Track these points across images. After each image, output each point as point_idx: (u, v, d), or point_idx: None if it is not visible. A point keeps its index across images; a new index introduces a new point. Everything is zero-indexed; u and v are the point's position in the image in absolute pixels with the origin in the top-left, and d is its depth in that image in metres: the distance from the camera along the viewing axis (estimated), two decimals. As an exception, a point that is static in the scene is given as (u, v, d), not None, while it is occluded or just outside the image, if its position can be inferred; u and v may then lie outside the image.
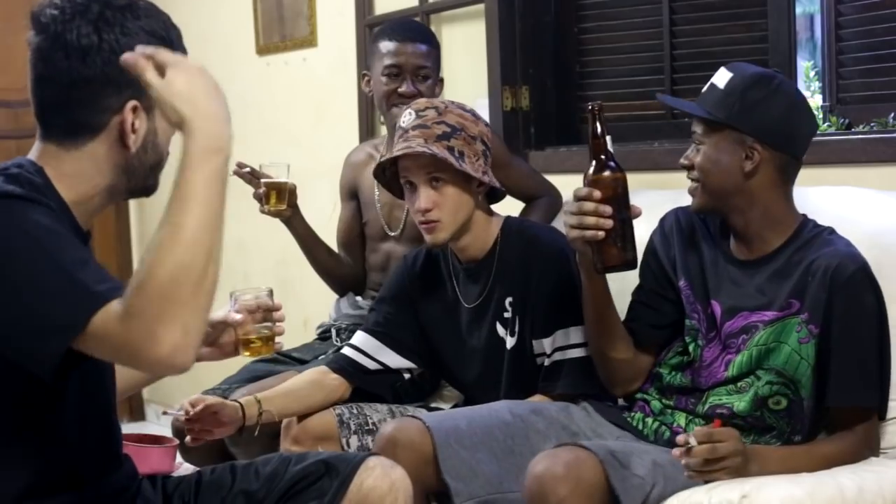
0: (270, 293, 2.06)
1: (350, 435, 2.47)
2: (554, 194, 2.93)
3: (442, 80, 2.92)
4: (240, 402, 2.38)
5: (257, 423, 2.38)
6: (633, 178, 2.80)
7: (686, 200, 2.22)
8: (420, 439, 2.15)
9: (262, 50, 4.33)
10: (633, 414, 2.27)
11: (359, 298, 3.03)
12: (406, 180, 2.38)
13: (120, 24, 1.65)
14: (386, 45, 2.87)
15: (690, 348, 2.20)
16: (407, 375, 2.59)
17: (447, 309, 2.52)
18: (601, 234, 2.05)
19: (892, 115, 2.63)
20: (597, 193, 2.06)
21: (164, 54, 1.57)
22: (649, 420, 2.23)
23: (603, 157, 2.09)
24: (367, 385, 2.55)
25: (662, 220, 2.31)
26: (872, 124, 2.66)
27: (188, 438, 2.33)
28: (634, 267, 2.14)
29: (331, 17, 3.99)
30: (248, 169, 2.82)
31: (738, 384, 2.12)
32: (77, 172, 1.68)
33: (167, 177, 1.78)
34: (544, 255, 2.38)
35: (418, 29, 3.04)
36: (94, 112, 1.67)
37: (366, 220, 3.04)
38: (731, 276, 2.17)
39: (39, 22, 1.66)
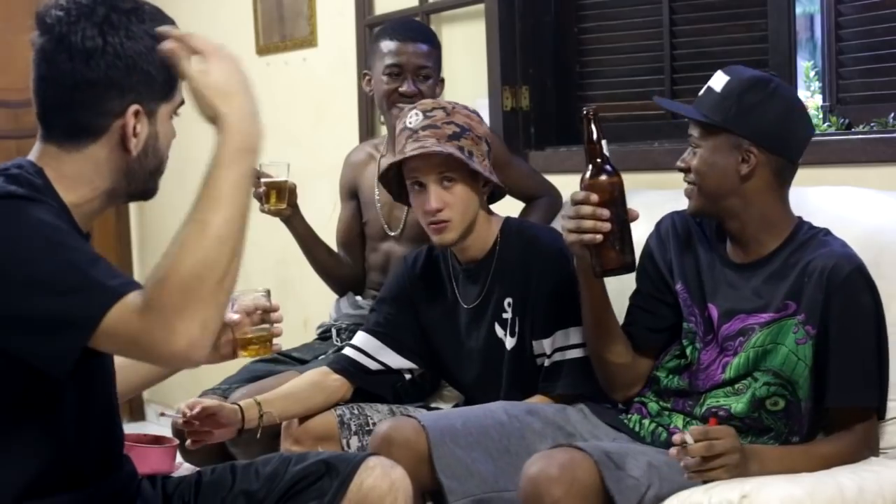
0: (268, 294, 2.06)
1: (350, 435, 2.47)
2: (554, 194, 2.93)
3: (443, 81, 2.92)
4: (239, 405, 2.38)
5: (258, 426, 2.38)
6: (632, 179, 2.80)
7: (686, 201, 2.22)
8: (415, 438, 2.15)
9: (262, 50, 4.33)
10: (629, 416, 2.27)
11: (359, 298, 3.03)
12: (415, 181, 2.37)
13: (125, 27, 1.65)
14: (387, 45, 2.87)
15: (688, 351, 2.21)
16: (408, 376, 2.59)
17: (447, 310, 2.52)
18: (599, 237, 2.06)
19: (892, 115, 2.63)
20: (594, 197, 2.07)
21: (200, 40, 1.57)
22: (646, 422, 2.23)
23: (599, 160, 2.10)
24: (368, 385, 2.55)
25: (658, 224, 2.31)
26: (872, 124, 2.67)
27: (188, 442, 2.34)
28: (633, 270, 2.15)
29: (331, 17, 3.99)
30: (248, 168, 2.81)
31: (736, 386, 2.12)
32: (77, 174, 1.68)
33: (166, 180, 1.79)
34: (544, 256, 2.39)
35: (419, 29, 3.04)
36: (97, 115, 1.67)
37: (366, 220, 3.04)
38: (727, 279, 2.18)
39: (44, 23, 1.66)
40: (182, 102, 1.76)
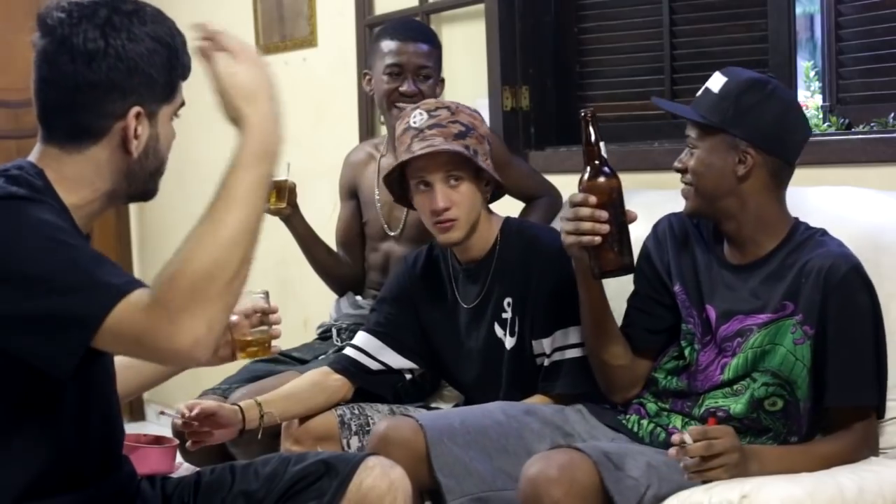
0: (266, 296, 2.06)
1: (351, 435, 2.47)
2: (554, 194, 2.93)
3: (443, 81, 2.92)
4: (240, 406, 2.38)
5: (259, 426, 2.38)
6: (632, 178, 2.80)
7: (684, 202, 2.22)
8: (413, 437, 2.16)
9: (262, 50, 4.32)
10: (628, 416, 2.27)
11: (359, 298, 3.03)
12: (420, 180, 2.37)
13: (127, 29, 1.65)
14: (388, 45, 2.87)
15: (686, 352, 2.21)
16: (408, 376, 2.59)
17: (446, 310, 2.53)
18: (597, 239, 2.07)
19: (892, 115, 2.63)
20: (592, 199, 2.08)
21: (232, 39, 1.58)
22: (644, 422, 2.23)
23: (597, 162, 2.11)
24: (369, 385, 2.55)
25: (656, 226, 2.32)
26: (872, 124, 2.67)
27: (189, 443, 2.34)
28: (631, 272, 2.16)
29: (331, 17, 3.99)
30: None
31: (734, 387, 2.13)
32: (78, 176, 1.68)
33: (166, 181, 1.79)
34: (544, 256, 2.39)
35: (420, 29, 3.04)
36: (98, 117, 1.66)
37: (366, 220, 3.04)
38: (724, 280, 2.18)
39: (46, 24, 1.66)
40: (182, 104, 1.76)
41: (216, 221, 1.51)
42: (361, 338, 2.57)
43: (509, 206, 2.74)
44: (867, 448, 2.08)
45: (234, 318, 1.99)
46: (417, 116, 2.37)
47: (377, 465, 1.92)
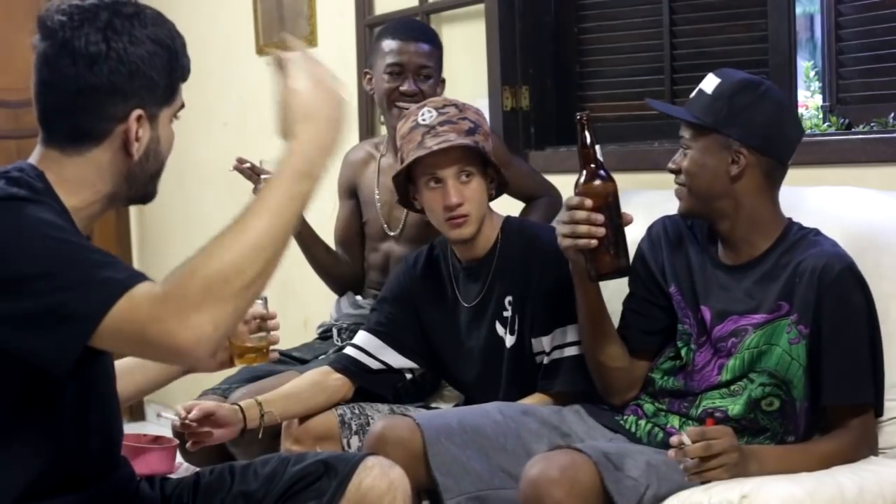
0: (265, 302, 2.06)
1: (351, 435, 2.47)
2: (554, 194, 2.93)
3: (443, 81, 2.92)
4: (240, 406, 2.38)
5: (260, 426, 2.38)
6: (632, 179, 2.80)
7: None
8: (410, 436, 2.16)
9: (262, 50, 4.33)
10: (625, 417, 2.27)
11: (359, 298, 3.03)
12: (431, 177, 2.38)
13: (128, 32, 1.65)
14: (389, 44, 2.87)
15: (683, 353, 2.21)
16: (409, 375, 2.59)
17: (447, 309, 2.53)
18: (594, 242, 2.08)
19: (892, 115, 2.63)
20: (588, 202, 2.09)
21: (313, 64, 1.60)
22: (642, 422, 2.24)
23: (593, 165, 2.12)
24: (370, 385, 2.55)
25: (650, 228, 2.33)
26: (872, 124, 2.67)
27: (189, 443, 2.33)
28: (627, 274, 2.18)
29: (331, 17, 3.99)
30: (248, 165, 2.82)
31: (732, 388, 2.13)
32: (79, 178, 1.68)
33: (166, 181, 1.79)
34: (544, 254, 2.39)
35: (421, 28, 3.05)
36: (99, 120, 1.66)
37: (365, 220, 3.04)
38: (719, 281, 2.19)
39: (46, 27, 1.65)
40: (182, 106, 1.76)
41: (243, 226, 1.51)
42: (362, 337, 2.57)
43: (509, 207, 2.74)
44: (866, 446, 2.08)
45: None
46: (426, 114, 2.38)
47: (376, 464, 1.92)
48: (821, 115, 2.97)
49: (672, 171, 2.19)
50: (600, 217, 2.08)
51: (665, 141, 2.99)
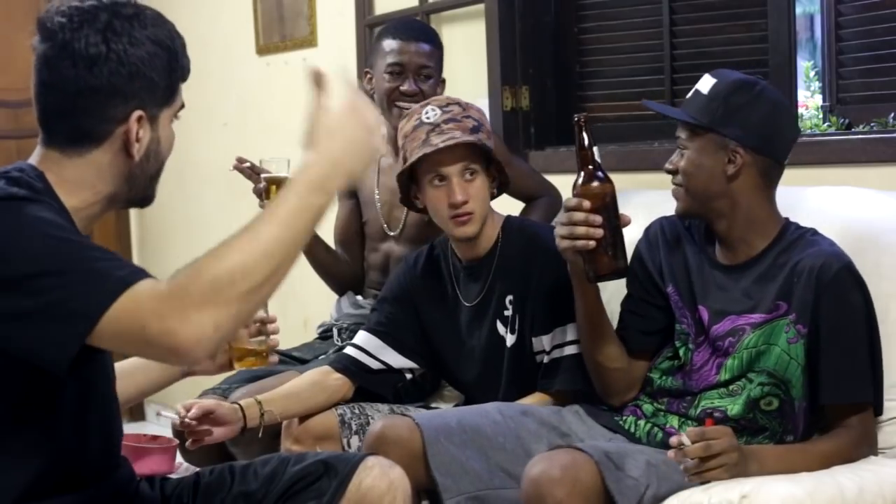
0: (265, 305, 2.06)
1: (351, 435, 2.47)
2: (554, 194, 2.93)
3: (444, 81, 2.92)
4: (240, 405, 2.38)
5: (260, 425, 2.38)
6: (632, 179, 2.80)
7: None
8: (409, 436, 2.16)
9: (262, 50, 4.33)
10: (624, 417, 2.28)
11: (360, 298, 3.03)
12: (436, 175, 2.38)
13: (128, 33, 1.65)
14: (390, 44, 2.88)
15: (681, 352, 2.22)
16: (409, 375, 2.60)
17: (448, 309, 2.53)
18: (592, 243, 2.09)
19: (892, 115, 2.63)
20: (586, 203, 2.10)
21: (354, 91, 1.62)
22: (641, 422, 2.24)
23: (591, 167, 2.13)
24: (370, 385, 2.55)
25: (647, 229, 2.34)
26: (872, 124, 2.67)
27: (188, 442, 2.33)
28: (626, 275, 2.19)
29: (331, 17, 3.99)
30: (248, 164, 2.82)
31: (730, 388, 2.14)
32: (79, 179, 1.68)
33: (166, 182, 1.79)
34: (545, 253, 2.39)
35: (422, 28, 3.05)
36: (99, 121, 1.66)
37: (365, 220, 3.04)
38: (716, 280, 2.20)
39: (46, 28, 1.65)
40: (182, 106, 1.76)
41: (253, 231, 1.51)
42: (362, 337, 2.57)
43: (509, 207, 2.74)
44: (865, 445, 2.08)
45: None
46: (430, 112, 2.39)
47: (376, 464, 1.92)
48: (821, 115, 2.97)
49: (669, 172, 2.20)
50: (598, 218, 2.09)
51: (665, 141, 2.99)
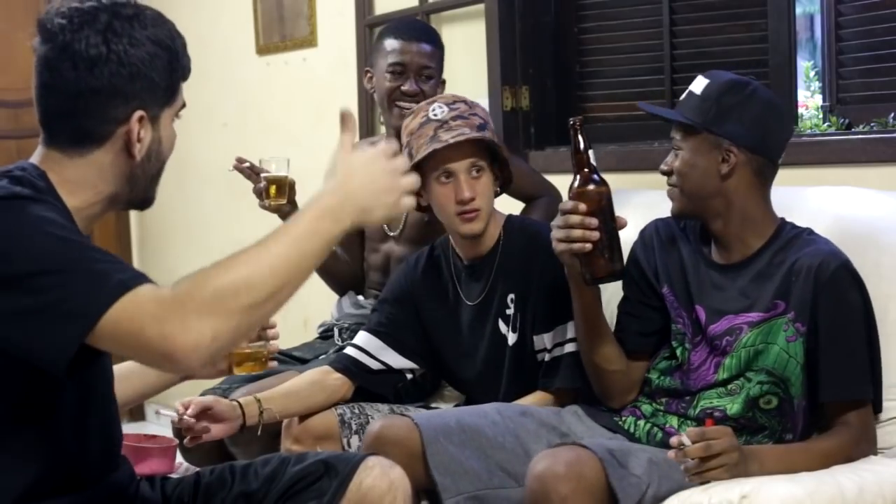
0: None
1: (351, 435, 2.47)
2: (553, 194, 2.93)
3: (444, 82, 2.93)
4: (239, 402, 2.38)
5: (259, 423, 2.38)
6: (632, 179, 2.80)
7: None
8: (407, 436, 2.17)
9: (262, 50, 4.33)
10: (624, 418, 2.28)
11: (361, 298, 3.03)
12: (443, 171, 2.38)
13: (128, 34, 1.65)
14: (391, 44, 2.88)
15: (678, 352, 2.22)
16: (409, 376, 2.60)
17: (449, 309, 2.53)
18: (588, 246, 2.11)
19: (892, 115, 2.63)
20: (582, 206, 2.11)
21: (386, 143, 1.69)
22: (641, 423, 2.24)
23: (586, 170, 2.14)
24: (370, 385, 2.56)
25: (642, 231, 2.35)
26: (872, 124, 2.67)
27: (186, 439, 2.33)
28: (622, 277, 2.20)
29: (331, 17, 3.99)
30: (247, 164, 2.82)
31: (729, 387, 2.14)
32: (80, 179, 1.68)
33: (166, 182, 1.79)
34: (546, 252, 2.38)
35: (423, 29, 3.05)
36: (101, 122, 1.67)
37: (365, 220, 3.03)
38: (712, 280, 2.20)
39: (46, 30, 1.65)
40: (183, 105, 1.76)
41: (263, 247, 1.53)
42: (362, 337, 2.57)
43: (509, 207, 2.74)
44: (865, 442, 2.09)
45: None
46: (437, 109, 2.39)
47: (377, 464, 1.92)
48: (821, 115, 2.97)
49: (664, 173, 2.22)
50: (594, 221, 2.11)
51: (664, 141, 2.98)
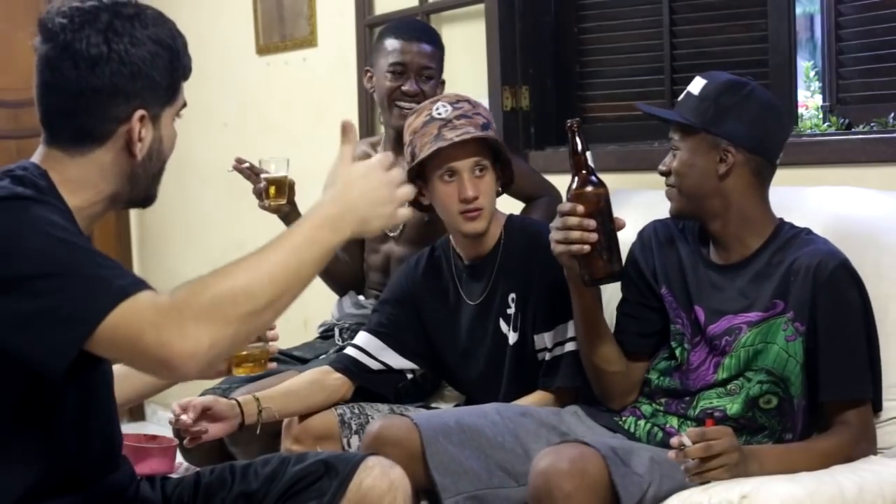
0: None
1: (351, 435, 2.47)
2: (553, 194, 2.93)
3: (443, 82, 2.93)
4: (237, 401, 2.38)
5: (258, 422, 2.38)
6: (632, 179, 2.80)
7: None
8: (407, 436, 2.17)
9: (262, 50, 4.33)
10: (624, 418, 2.28)
11: (361, 298, 3.03)
12: (447, 170, 2.39)
13: (129, 33, 1.65)
14: (392, 43, 2.88)
15: (677, 352, 2.23)
16: (409, 376, 2.60)
17: (450, 309, 2.53)
18: (586, 247, 2.11)
19: (892, 115, 2.63)
20: (580, 208, 2.12)
21: (382, 156, 1.69)
22: (641, 423, 2.24)
23: (584, 172, 2.15)
24: (370, 384, 2.56)
25: (641, 232, 2.35)
26: (872, 124, 2.67)
27: (186, 440, 2.33)
28: (621, 278, 2.21)
29: (331, 17, 3.99)
30: (247, 165, 2.82)
31: (728, 387, 2.14)
32: (82, 179, 1.68)
33: (166, 182, 1.79)
34: (546, 251, 2.39)
35: (424, 29, 3.05)
36: (102, 121, 1.67)
37: (365, 220, 3.03)
38: (711, 281, 2.21)
39: (47, 29, 1.65)
40: (184, 105, 1.76)
41: (262, 256, 1.54)
42: (363, 338, 2.57)
43: (509, 207, 2.74)
44: (865, 441, 2.09)
45: None
46: (441, 108, 2.40)
47: (377, 464, 1.92)
48: (821, 115, 2.97)
49: (662, 174, 2.23)
50: (592, 223, 2.11)
51: (665, 141, 2.97)
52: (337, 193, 1.61)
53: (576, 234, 2.11)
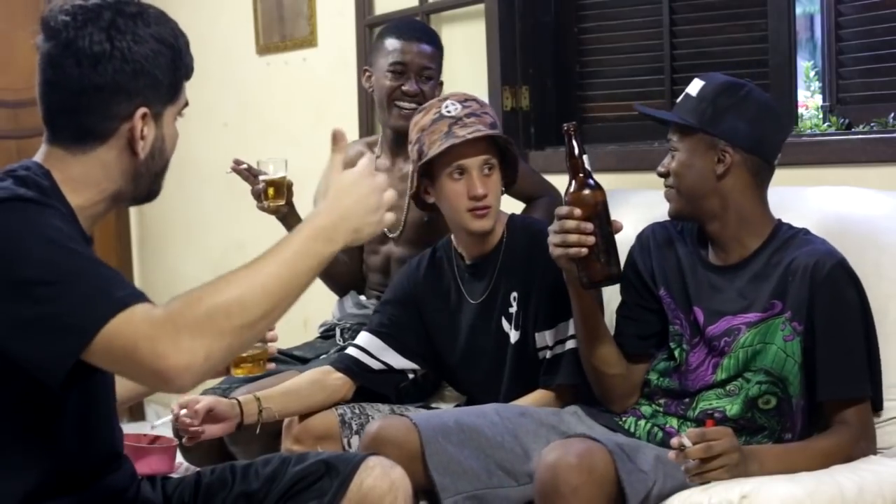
0: None
1: (351, 435, 2.47)
2: (554, 194, 2.93)
3: (442, 83, 2.93)
4: (238, 400, 2.39)
5: (258, 421, 2.38)
6: (632, 179, 2.80)
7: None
8: (406, 436, 2.17)
9: (262, 50, 4.33)
10: (624, 418, 2.28)
11: (363, 298, 3.03)
12: (456, 168, 2.39)
13: (132, 31, 1.65)
14: (392, 43, 2.89)
15: (676, 353, 2.23)
16: (411, 376, 2.60)
17: (452, 309, 2.54)
18: (584, 250, 2.12)
19: (892, 115, 2.63)
20: (577, 211, 2.12)
21: (371, 160, 1.70)
22: (642, 423, 2.25)
23: (581, 175, 2.16)
24: (371, 384, 2.56)
25: (639, 235, 2.36)
26: (872, 124, 2.67)
27: (184, 439, 2.34)
28: (619, 281, 2.21)
29: (331, 17, 3.99)
30: (245, 166, 2.82)
31: (727, 387, 2.15)
32: (84, 177, 1.68)
33: (165, 183, 1.79)
34: (547, 250, 2.40)
35: (424, 29, 3.06)
36: (104, 119, 1.67)
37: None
38: (710, 282, 2.21)
39: (50, 27, 1.65)
40: (186, 104, 1.76)
41: (256, 268, 1.54)
42: (364, 338, 2.57)
43: (509, 207, 2.74)
44: (864, 440, 2.09)
45: None
46: (451, 106, 2.41)
47: (378, 465, 1.92)
48: (821, 115, 2.97)
49: (661, 175, 2.23)
50: (590, 226, 2.12)
51: (664, 141, 2.98)
52: (330, 203, 1.62)
53: (573, 238, 2.12)
